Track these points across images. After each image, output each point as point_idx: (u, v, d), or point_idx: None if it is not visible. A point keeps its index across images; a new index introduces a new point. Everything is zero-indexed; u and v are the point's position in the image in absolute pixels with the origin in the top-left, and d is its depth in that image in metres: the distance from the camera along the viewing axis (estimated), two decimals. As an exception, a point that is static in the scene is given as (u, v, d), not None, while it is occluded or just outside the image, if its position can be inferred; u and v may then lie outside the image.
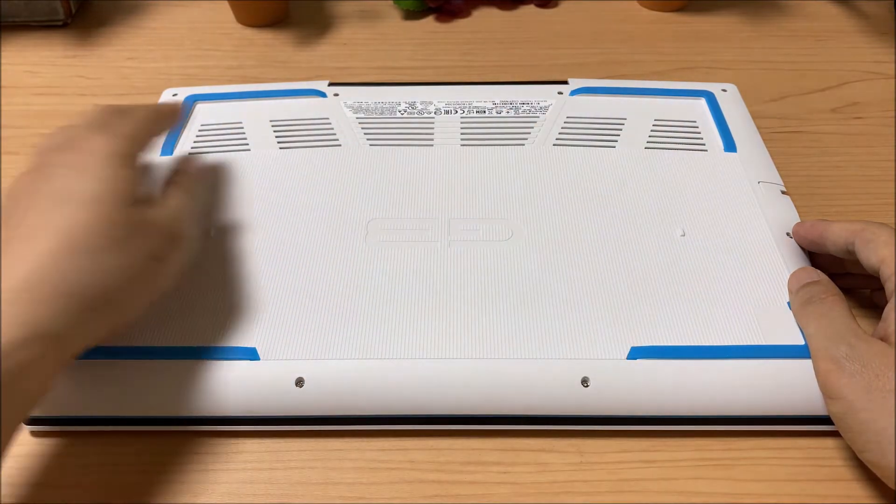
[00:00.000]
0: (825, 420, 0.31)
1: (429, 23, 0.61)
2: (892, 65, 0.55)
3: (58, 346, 0.26)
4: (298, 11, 0.62)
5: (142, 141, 0.32)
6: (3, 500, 0.30)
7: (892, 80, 0.54)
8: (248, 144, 0.43)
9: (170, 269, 0.31)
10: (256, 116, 0.45)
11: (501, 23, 0.61)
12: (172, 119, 0.37)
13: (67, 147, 0.29)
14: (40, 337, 0.25)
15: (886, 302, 0.31)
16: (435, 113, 0.45)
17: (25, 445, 0.32)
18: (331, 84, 0.48)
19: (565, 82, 0.48)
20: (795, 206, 0.40)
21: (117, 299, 0.28)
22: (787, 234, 0.38)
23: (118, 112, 0.33)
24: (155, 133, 0.35)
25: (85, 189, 0.28)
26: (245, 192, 0.40)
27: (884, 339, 0.30)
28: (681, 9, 0.62)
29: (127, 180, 0.29)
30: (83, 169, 0.28)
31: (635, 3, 0.63)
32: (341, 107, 0.46)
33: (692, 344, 0.32)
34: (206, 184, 0.37)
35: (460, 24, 0.61)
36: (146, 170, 0.33)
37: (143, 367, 0.32)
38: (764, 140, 0.44)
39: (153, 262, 0.29)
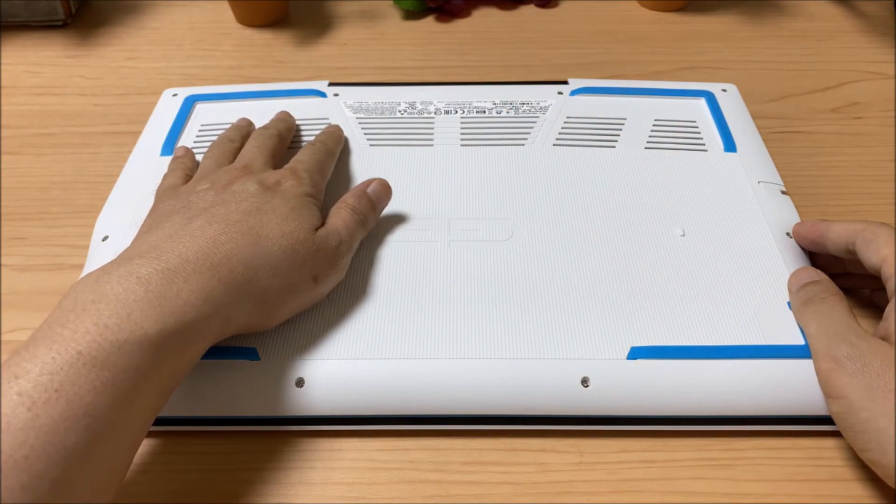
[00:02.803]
0: (825, 420, 0.31)
1: (429, 23, 0.61)
2: (892, 65, 0.55)
3: (219, 320, 0.28)
4: (298, 11, 0.62)
5: (324, 185, 0.38)
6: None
7: (892, 80, 0.54)
8: (248, 144, 0.43)
9: (321, 289, 0.33)
10: (256, 116, 0.45)
11: (501, 23, 0.61)
12: (340, 144, 0.42)
13: (268, 182, 0.34)
14: (211, 304, 0.28)
15: (887, 302, 0.31)
16: (435, 113, 0.45)
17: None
18: (331, 84, 0.48)
19: (565, 82, 0.48)
20: (795, 206, 0.40)
21: (272, 302, 0.31)
22: (787, 234, 0.38)
23: (280, 139, 0.40)
24: (331, 165, 0.40)
25: (289, 225, 0.32)
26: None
27: (885, 338, 0.30)
28: (681, 9, 0.62)
29: (316, 215, 0.34)
30: (284, 197, 0.33)
31: (635, 3, 0.63)
32: (341, 107, 0.46)
33: (692, 344, 0.32)
34: (380, 208, 0.37)
35: (460, 24, 0.61)
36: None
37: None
38: (764, 140, 0.44)
39: (311, 281, 0.32)
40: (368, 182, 0.38)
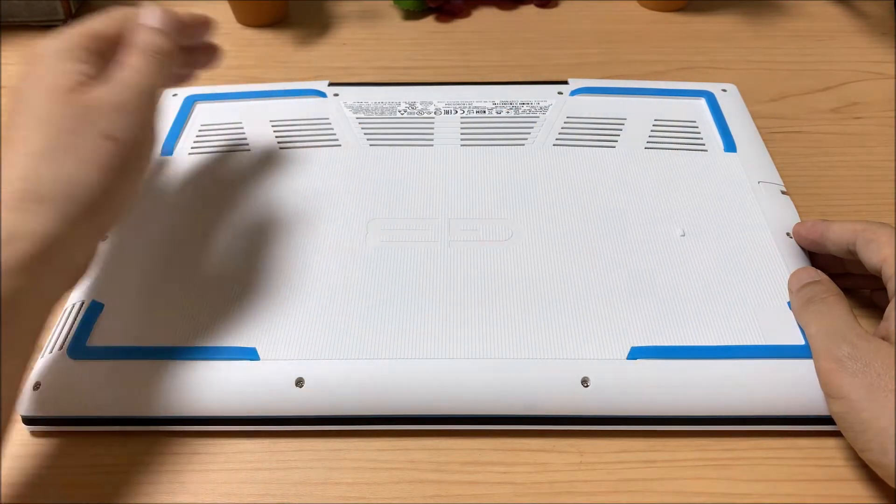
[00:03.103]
0: (825, 420, 0.31)
1: (429, 23, 0.61)
2: (892, 65, 0.55)
3: (42, 248, 0.26)
4: (298, 11, 0.62)
5: (88, 34, 0.31)
6: (4, 500, 0.30)
7: (892, 80, 0.54)
8: (248, 144, 0.43)
9: (129, 149, 0.29)
10: (256, 116, 0.45)
11: (501, 23, 0.61)
12: (130, 20, 0.33)
13: (24, 63, 0.30)
14: (16, 237, 0.25)
15: (887, 302, 0.31)
16: (435, 113, 0.45)
17: (25, 445, 0.32)
18: (331, 84, 0.48)
19: (565, 82, 0.48)
20: (795, 206, 0.40)
21: (84, 190, 0.27)
22: (787, 234, 0.38)
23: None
24: (106, 25, 0.32)
25: (25, 94, 0.28)
26: (245, 193, 0.40)
27: (885, 338, 0.30)
28: (681, 9, 0.62)
29: (64, 71, 0.29)
30: (26, 75, 0.29)
31: (635, 3, 0.63)
32: (341, 107, 0.46)
33: (692, 344, 0.32)
34: (174, 34, 0.32)
35: (460, 24, 0.61)
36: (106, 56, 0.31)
37: (143, 367, 0.32)
38: (764, 140, 0.44)
39: (108, 143, 0.28)
40: (149, 13, 0.32)
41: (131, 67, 0.30)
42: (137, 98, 0.30)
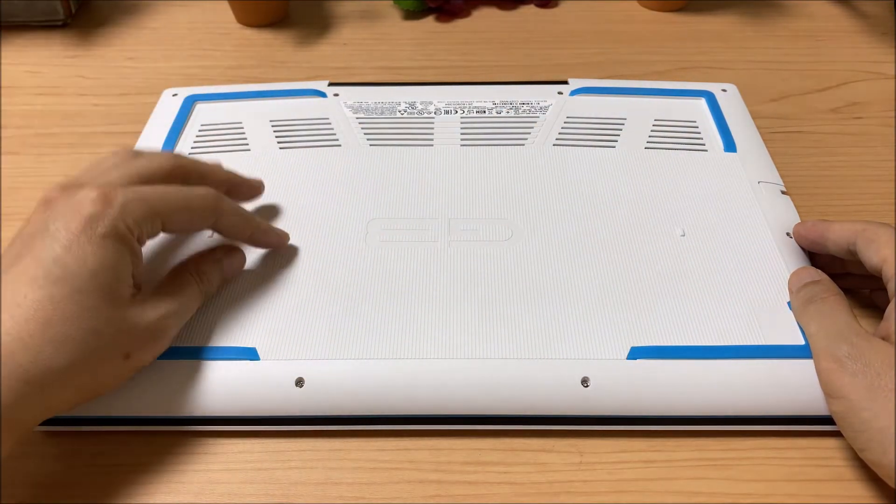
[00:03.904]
0: (825, 420, 0.31)
1: (429, 23, 0.61)
2: (892, 65, 0.55)
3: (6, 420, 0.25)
4: (298, 11, 0.62)
5: (153, 218, 0.28)
6: (4, 500, 0.30)
7: (892, 80, 0.54)
8: (248, 144, 0.43)
9: (135, 365, 0.29)
10: (256, 116, 0.45)
11: (501, 23, 0.61)
12: (212, 211, 0.31)
13: (65, 201, 0.26)
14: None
15: (887, 302, 0.31)
16: (435, 113, 0.45)
17: (26, 445, 0.32)
18: (331, 84, 0.48)
19: (565, 82, 0.48)
20: (795, 206, 0.40)
21: (80, 384, 0.27)
22: (787, 234, 0.38)
23: (137, 160, 0.28)
24: (180, 217, 0.29)
25: (70, 270, 0.25)
26: (245, 192, 0.40)
27: (885, 338, 0.30)
28: (681, 9, 0.62)
29: (124, 275, 0.27)
30: (71, 241, 0.25)
31: (635, 3, 0.63)
32: (341, 107, 0.46)
33: (692, 344, 0.32)
34: (227, 283, 0.33)
35: (460, 24, 0.61)
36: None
37: (143, 368, 0.32)
38: (764, 140, 0.44)
39: (124, 361, 0.28)
40: (225, 250, 0.34)
41: (182, 293, 0.29)
42: (171, 325, 0.29)
